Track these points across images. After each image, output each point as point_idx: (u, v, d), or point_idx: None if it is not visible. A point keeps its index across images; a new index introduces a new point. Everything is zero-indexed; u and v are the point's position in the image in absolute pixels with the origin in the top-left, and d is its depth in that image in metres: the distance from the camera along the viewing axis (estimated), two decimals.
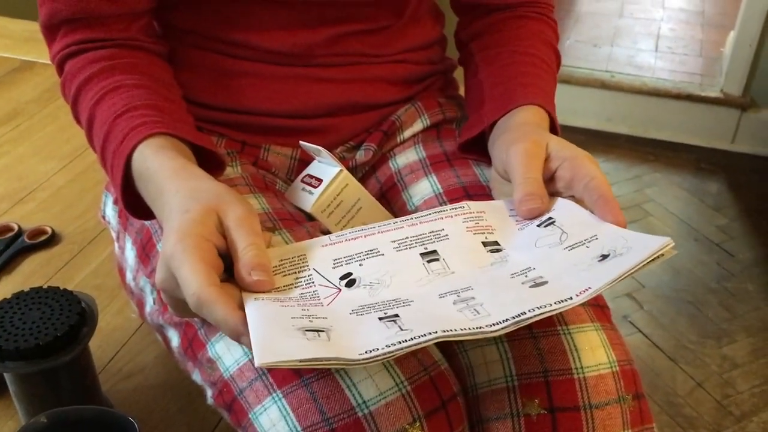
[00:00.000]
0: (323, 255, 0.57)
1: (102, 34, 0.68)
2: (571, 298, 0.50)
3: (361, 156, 0.80)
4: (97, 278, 1.29)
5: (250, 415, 0.58)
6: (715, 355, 1.54)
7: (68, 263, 1.33)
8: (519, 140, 0.63)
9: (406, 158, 0.80)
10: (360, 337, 0.48)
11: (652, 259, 0.51)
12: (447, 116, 0.84)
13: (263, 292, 0.52)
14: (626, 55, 2.47)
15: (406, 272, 0.55)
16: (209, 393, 0.65)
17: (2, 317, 0.93)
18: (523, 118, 0.68)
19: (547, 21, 0.80)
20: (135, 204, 0.63)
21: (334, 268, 0.56)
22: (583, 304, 0.61)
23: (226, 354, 0.61)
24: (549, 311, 0.48)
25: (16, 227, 1.42)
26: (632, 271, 0.51)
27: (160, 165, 0.58)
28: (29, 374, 0.92)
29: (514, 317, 0.48)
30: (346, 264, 0.57)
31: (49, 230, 1.41)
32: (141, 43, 0.70)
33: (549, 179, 0.62)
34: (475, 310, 0.50)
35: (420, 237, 0.59)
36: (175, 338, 0.70)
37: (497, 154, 0.66)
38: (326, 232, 0.70)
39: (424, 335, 0.47)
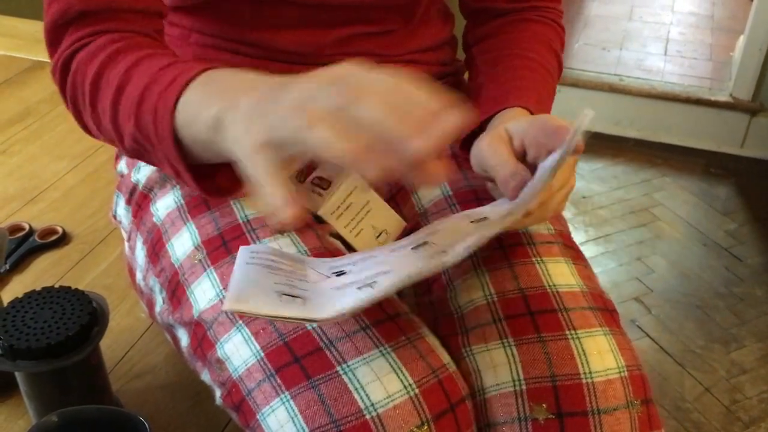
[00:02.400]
0: (322, 262, 0.61)
1: (117, 25, 0.64)
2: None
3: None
4: (107, 278, 1.30)
5: (258, 416, 0.58)
6: (724, 360, 1.53)
7: (79, 263, 1.34)
8: (483, 137, 0.64)
9: None
10: (334, 303, 0.50)
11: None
12: None
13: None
14: (635, 59, 2.46)
15: (396, 261, 0.57)
16: (218, 393, 0.65)
17: (14, 316, 0.94)
18: (505, 119, 0.69)
19: (553, 26, 0.80)
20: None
21: (330, 269, 0.59)
22: (592, 309, 0.61)
23: (234, 354, 0.62)
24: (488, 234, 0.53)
25: (27, 227, 1.43)
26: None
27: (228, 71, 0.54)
28: (40, 373, 0.93)
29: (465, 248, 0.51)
30: (342, 267, 0.59)
31: (60, 230, 1.42)
32: (155, 38, 0.67)
33: (523, 156, 0.63)
34: (435, 252, 0.53)
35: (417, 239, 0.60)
36: (184, 338, 0.70)
37: (473, 155, 0.67)
38: (335, 235, 0.70)
39: (389, 286, 0.49)
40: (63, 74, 0.65)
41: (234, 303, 0.50)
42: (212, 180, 0.58)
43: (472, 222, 0.61)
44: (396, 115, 0.41)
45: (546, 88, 0.75)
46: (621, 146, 2.21)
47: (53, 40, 0.66)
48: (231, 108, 0.48)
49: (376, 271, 0.55)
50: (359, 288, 0.52)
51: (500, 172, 0.61)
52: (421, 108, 0.42)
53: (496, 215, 0.60)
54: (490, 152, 0.62)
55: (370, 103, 0.41)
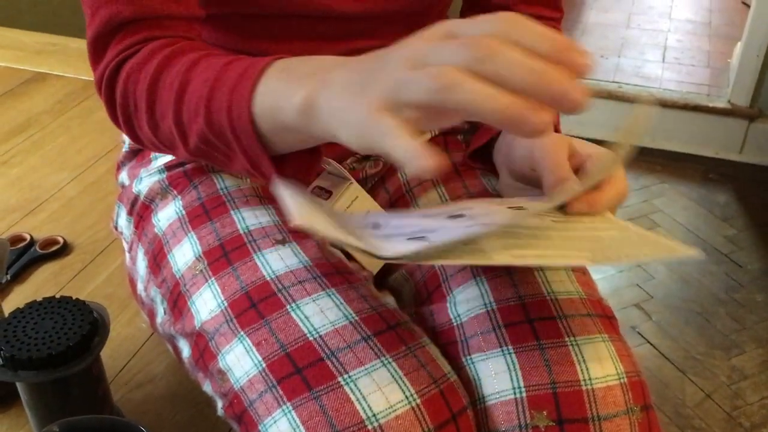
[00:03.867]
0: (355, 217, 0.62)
1: (166, 32, 0.63)
2: None
3: (370, 167, 0.81)
4: (108, 288, 1.30)
5: (260, 427, 0.58)
6: (724, 366, 1.53)
7: (79, 273, 1.35)
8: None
9: None
10: (387, 248, 0.49)
11: None
12: (454, 127, 0.84)
13: None
14: (633, 66, 2.47)
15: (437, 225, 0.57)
16: (219, 404, 0.65)
17: (15, 327, 0.94)
18: None
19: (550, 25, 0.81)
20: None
21: (365, 224, 0.59)
22: (591, 316, 0.62)
23: (236, 365, 0.62)
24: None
25: (28, 237, 1.43)
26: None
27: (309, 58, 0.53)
28: (41, 383, 0.93)
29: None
30: (376, 220, 0.61)
31: (61, 240, 1.42)
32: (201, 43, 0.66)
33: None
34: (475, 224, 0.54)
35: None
36: (186, 349, 0.71)
37: (518, 154, 0.65)
38: (335, 245, 0.70)
39: (448, 239, 0.49)
40: (110, 84, 0.63)
41: (303, 219, 0.46)
42: (282, 168, 0.56)
43: (509, 207, 0.60)
44: (543, 64, 0.38)
45: None
46: None
47: (97, 52, 0.64)
48: (322, 88, 0.46)
49: (419, 228, 0.54)
50: (408, 239, 0.51)
51: (551, 176, 0.60)
52: (559, 49, 0.39)
53: (533, 208, 0.60)
54: (550, 152, 0.61)
55: (511, 55, 0.38)
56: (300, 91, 0.48)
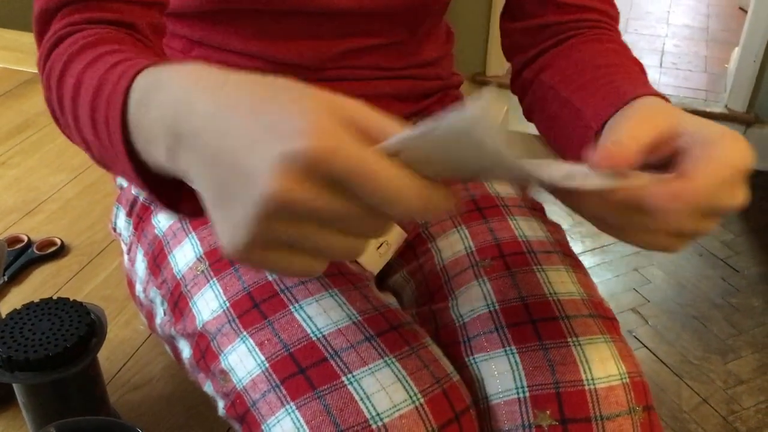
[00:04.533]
0: None
1: (111, 15, 0.57)
2: None
3: None
4: (105, 289, 1.30)
5: (263, 427, 0.58)
6: (720, 371, 1.54)
7: (77, 274, 1.34)
8: (637, 112, 0.52)
9: None
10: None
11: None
12: None
13: None
14: None
15: None
16: (221, 404, 0.65)
17: (13, 328, 0.94)
18: (644, 103, 0.55)
19: (613, 40, 0.71)
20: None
21: None
22: (593, 316, 0.62)
23: (239, 365, 0.62)
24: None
25: (25, 238, 1.43)
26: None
27: (180, 66, 0.44)
28: (39, 385, 0.93)
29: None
30: None
31: (59, 242, 1.42)
32: (146, 35, 0.60)
33: (660, 161, 0.49)
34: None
35: None
36: (186, 349, 0.70)
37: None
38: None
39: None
40: (43, 64, 0.57)
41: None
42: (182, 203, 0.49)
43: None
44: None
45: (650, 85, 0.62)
46: None
47: (40, 30, 0.59)
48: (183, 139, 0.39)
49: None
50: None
51: (611, 136, 0.48)
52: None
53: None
54: (631, 123, 0.49)
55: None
56: (160, 149, 0.41)
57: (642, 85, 0.58)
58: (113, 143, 0.46)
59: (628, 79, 0.61)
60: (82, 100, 0.50)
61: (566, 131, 0.65)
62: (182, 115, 0.39)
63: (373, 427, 0.53)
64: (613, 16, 0.72)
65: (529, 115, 0.74)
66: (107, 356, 1.16)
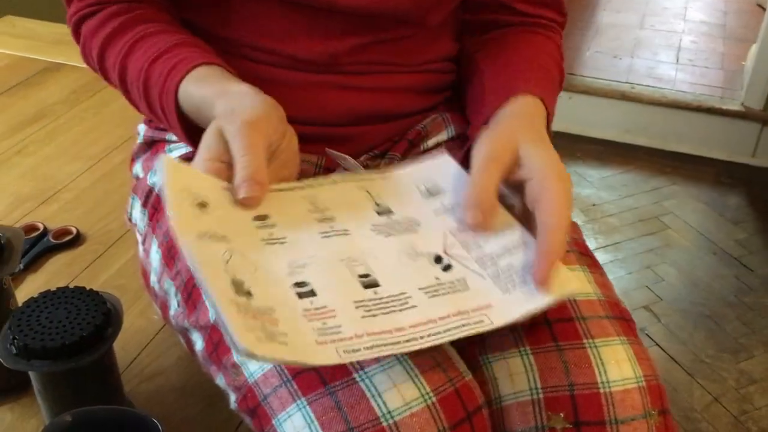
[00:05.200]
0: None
1: None
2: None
3: (385, 164, 0.80)
4: (120, 279, 1.31)
5: (273, 422, 0.58)
6: (733, 370, 1.53)
7: (92, 264, 1.35)
8: (489, 136, 0.62)
9: None
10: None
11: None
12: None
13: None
14: (646, 67, 2.46)
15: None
16: (233, 398, 0.65)
17: (29, 316, 0.94)
18: (516, 108, 0.67)
19: (553, 39, 0.80)
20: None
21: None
22: (609, 318, 0.62)
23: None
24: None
25: (41, 227, 1.44)
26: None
27: (201, 97, 0.63)
28: (54, 373, 0.93)
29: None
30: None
31: (74, 230, 1.42)
32: (163, 8, 0.74)
33: (514, 184, 0.61)
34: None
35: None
36: (199, 342, 0.71)
37: (473, 150, 0.63)
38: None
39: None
40: (76, 35, 0.74)
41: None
42: None
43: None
44: None
45: (552, 86, 0.74)
46: (631, 154, 2.21)
47: None
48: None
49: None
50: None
51: (470, 197, 0.60)
52: None
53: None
54: (481, 164, 0.60)
55: None
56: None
57: (529, 83, 0.70)
58: (170, 122, 0.66)
59: (525, 74, 0.73)
60: (131, 86, 0.69)
61: (472, 108, 0.77)
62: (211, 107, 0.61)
63: (384, 424, 0.53)
64: (560, 22, 0.82)
65: (459, 84, 0.84)
66: (122, 346, 1.16)
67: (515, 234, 0.60)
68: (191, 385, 1.09)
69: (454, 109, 0.84)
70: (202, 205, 0.56)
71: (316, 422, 0.55)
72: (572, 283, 0.56)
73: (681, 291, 1.73)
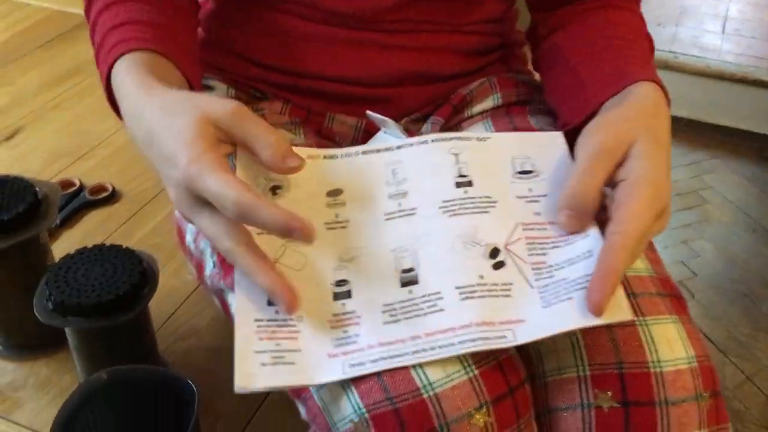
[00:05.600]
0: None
1: None
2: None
3: (427, 129, 0.78)
4: (155, 237, 1.31)
5: (310, 388, 0.58)
6: (767, 349, 1.51)
7: (127, 221, 1.35)
8: (601, 129, 0.58)
9: None
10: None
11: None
12: (521, 99, 0.81)
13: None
14: (691, 36, 2.40)
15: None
16: None
17: (66, 272, 0.95)
18: (634, 100, 0.61)
19: (637, 14, 0.74)
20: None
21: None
22: (660, 295, 0.60)
23: None
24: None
25: (77, 182, 1.44)
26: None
27: (131, 81, 0.58)
28: (89, 330, 0.94)
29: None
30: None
31: (110, 187, 1.43)
32: None
33: (610, 183, 0.56)
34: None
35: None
36: (234, 303, 0.70)
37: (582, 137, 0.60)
38: None
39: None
40: None
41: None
42: None
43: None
44: None
45: (653, 65, 0.68)
46: (672, 126, 2.16)
47: None
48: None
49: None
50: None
51: (568, 198, 0.56)
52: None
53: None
54: (586, 162, 0.56)
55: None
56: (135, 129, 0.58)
57: (644, 69, 0.64)
58: (102, 80, 0.64)
59: (633, 59, 0.66)
60: (96, 37, 0.66)
61: (565, 96, 0.69)
62: (136, 115, 0.57)
63: (425, 396, 0.52)
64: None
65: (536, 67, 0.79)
66: (156, 304, 1.17)
67: (586, 242, 0.55)
68: (224, 347, 1.09)
69: (503, 77, 0.81)
70: (275, 189, 0.57)
71: (354, 391, 0.54)
72: (622, 313, 0.52)
73: (717, 267, 1.70)
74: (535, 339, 0.53)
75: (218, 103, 0.54)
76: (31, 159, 1.52)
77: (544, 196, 0.60)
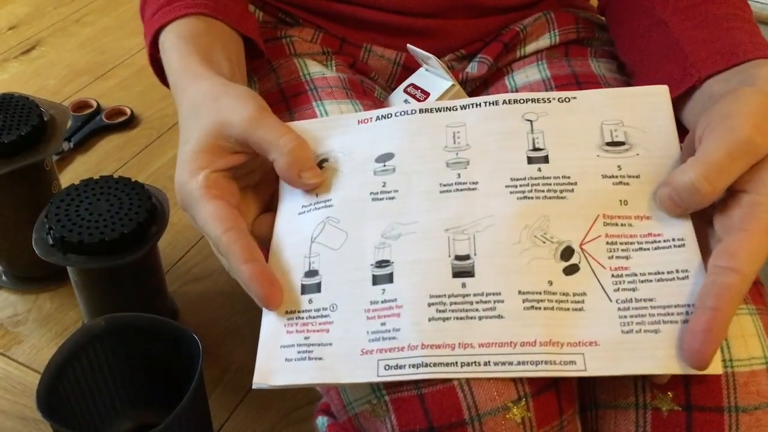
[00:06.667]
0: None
1: None
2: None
3: (473, 69, 0.71)
4: (173, 169, 1.23)
5: None
6: None
7: (145, 149, 1.28)
8: (749, 118, 0.45)
9: (526, 76, 0.70)
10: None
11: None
12: (581, 36, 0.71)
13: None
14: None
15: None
16: None
17: (68, 204, 0.87)
18: (745, 90, 0.48)
19: None
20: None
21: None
22: None
23: None
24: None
25: (95, 104, 1.36)
26: None
27: (177, 58, 0.57)
28: (92, 270, 0.87)
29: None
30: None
31: (128, 111, 1.35)
32: None
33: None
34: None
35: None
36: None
37: (710, 112, 0.48)
38: None
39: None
40: None
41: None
42: None
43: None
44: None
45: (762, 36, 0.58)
46: None
47: None
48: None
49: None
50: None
51: (689, 181, 0.44)
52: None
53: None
54: (712, 147, 0.44)
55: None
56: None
57: (759, 45, 0.55)
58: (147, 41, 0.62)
59: (746, 34, 0.56)
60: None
61: (654, 56, 0.60)
62: (177, 94, 0.56)
63: (455, 383, 0.46)
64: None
65: (603, 13, 0.72)
66: (169, 241, 1.10)
67: (680, 254, 0.45)
68: (238, 293, 1.01)
69: (562, 11, 0.72)
70: (323, 162, 0.52)
71: (391, 406, 0.47)
72: (713, 365, 0.42)
73: None
74: (609, 374, 0.43)
75: (237, 108, 0.50)
76: (47, 75, 1.44)
77: (636, 177, 0.48)
